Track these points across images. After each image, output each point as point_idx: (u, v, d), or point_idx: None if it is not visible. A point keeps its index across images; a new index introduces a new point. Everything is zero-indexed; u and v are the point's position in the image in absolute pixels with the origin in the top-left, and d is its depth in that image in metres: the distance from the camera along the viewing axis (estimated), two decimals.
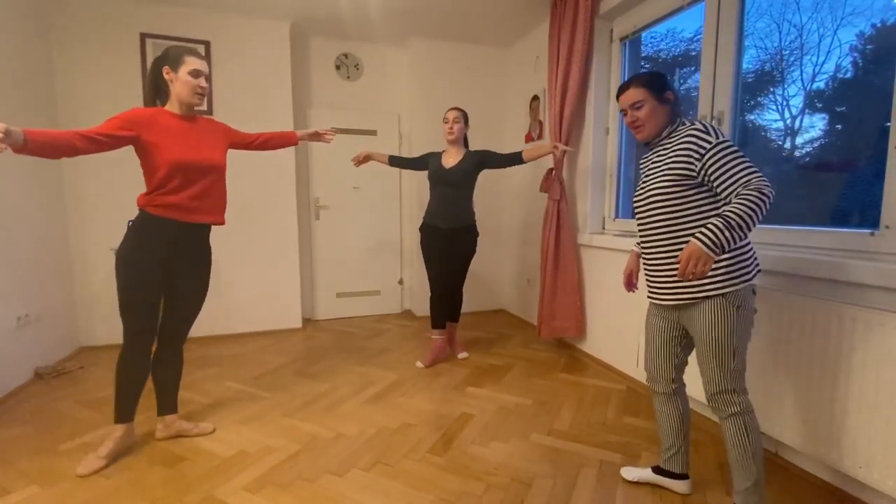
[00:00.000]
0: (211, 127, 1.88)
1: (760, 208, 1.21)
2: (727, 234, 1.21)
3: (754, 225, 1.22)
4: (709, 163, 1.31)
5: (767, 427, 1.75)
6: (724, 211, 1.24)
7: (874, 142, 1.66)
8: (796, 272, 1.69)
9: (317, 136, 2.29)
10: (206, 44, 3.26)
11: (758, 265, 1.40)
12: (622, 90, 1.50)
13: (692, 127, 1.38)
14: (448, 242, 2.78)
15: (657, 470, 1.65)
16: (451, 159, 2.77)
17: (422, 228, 2.87)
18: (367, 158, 2.90)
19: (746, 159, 1.29)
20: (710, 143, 1.32)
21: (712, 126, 1.35)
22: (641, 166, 1.56)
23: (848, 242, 1.64)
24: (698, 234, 1.24)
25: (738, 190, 1.26)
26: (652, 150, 1.52)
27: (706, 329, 1.37)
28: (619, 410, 2.25)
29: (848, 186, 1.80)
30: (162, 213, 1.71)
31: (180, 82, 1.71)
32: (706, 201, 1.37)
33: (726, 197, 1.30)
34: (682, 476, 1.61)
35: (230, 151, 3.25)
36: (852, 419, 1.48)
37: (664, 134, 1.46)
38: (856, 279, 1.51)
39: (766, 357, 1.74)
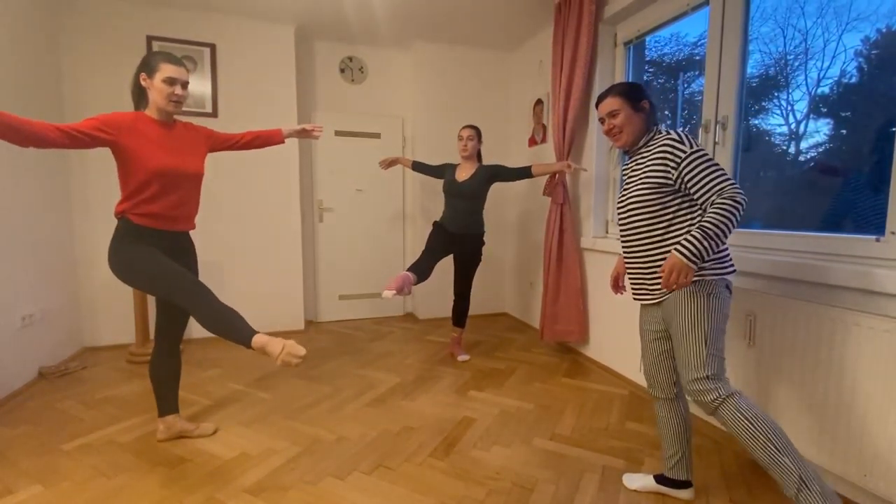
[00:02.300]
0: (190, 132, 1.85)
1: (735, 215, 1.29)
2: (705, 243, 1.29)
3: (730, 232, 1.30)
4: (685, 171, 1.37)
5: None
6: (700, 222, 1.31)
7: (879, 147, 1.65)
8: (800, 277, 1.68)
9: (304, 133, 2.21)
10: (212, 46, 3.29)
11: (733, 267, 1.45)
12: (600, 100, 1.57)
13: (667, 136, 1.43)
14: (452, 242, 2.88)
15: (660, 479, 1.63)
16: (464, 173, 2.89)
17: (434, 224, 2.97)
18: (394, 162, 3.12)
19: (720, 168, 1.36)
20: (685, 151, 1.38)
21: (686, 135, 1.41)
22: (623, 174, 1.62)
23: (853, 248, 1.63)
24: (678, 247, 1.32)
25: (713, 198, 1.33)
26: (631, 158, 1.58)
27: (679, 314, 1.41)
28: (621, 415, 2.24)
29: (853, 192, 1.79)
30: (143, 222, 1.70)
31: (155, 89, 1.69)
32: (683, 206, 1.43)
33: (702, 203, 1.37)
34: (685, 484, 1.60)
35: (230, 154, 3.28)
36: (857, 427, 1.47)
37: (641, 143, 1.52)
38: (861, 285, 1.50)
39: (769, 362, 1.73)
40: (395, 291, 2.36)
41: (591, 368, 2.87)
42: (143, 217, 1.70)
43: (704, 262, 1.37)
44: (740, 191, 1.31)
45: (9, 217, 2.43)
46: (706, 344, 1.37)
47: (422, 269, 2.66)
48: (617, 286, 1.79)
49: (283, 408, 2.30)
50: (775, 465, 1.22)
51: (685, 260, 1.30)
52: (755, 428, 1.25)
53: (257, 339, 1.54)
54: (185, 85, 1.73)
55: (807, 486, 1.19)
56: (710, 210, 1.31)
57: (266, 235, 3.54)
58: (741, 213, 1.29)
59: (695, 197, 1.38)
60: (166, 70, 1.68)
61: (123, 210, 1.70)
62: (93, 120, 1.57)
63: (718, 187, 1.33)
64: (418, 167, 3.09)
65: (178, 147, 1.76)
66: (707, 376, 1.35)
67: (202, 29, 3.27)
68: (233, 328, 1.57)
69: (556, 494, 1.63)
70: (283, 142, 2.19)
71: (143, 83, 1.71)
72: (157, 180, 1.68)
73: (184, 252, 1.86)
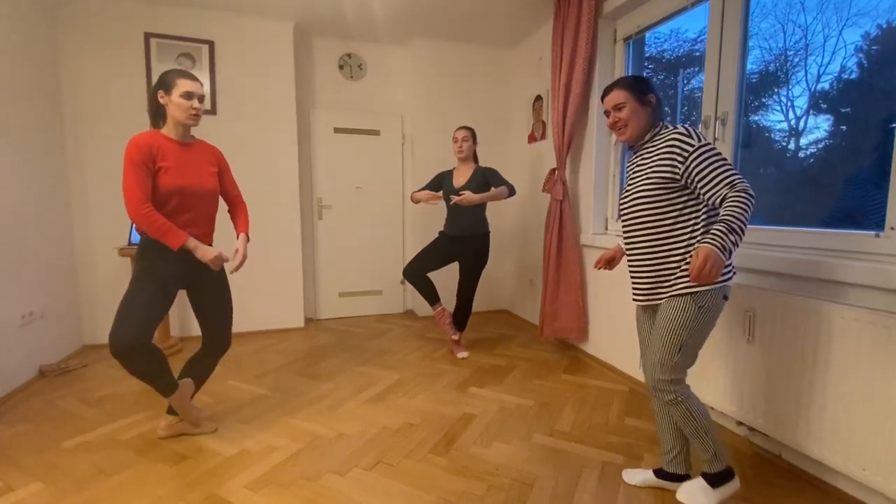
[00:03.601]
0: (207, 151, 1.89)
1: (750, 209, 1.28)
2: (731, 237, 1.26)
3: (747, 226, 1.29)
4: (692, 165, 1.36)
5: (771, 429, 1.75)
6: (722, 216, 1.28)
7: (879, 143, 1.65)
8: (800, 273, 1.68)
9: (236, 254, 1.94)
10: (210, 43, 3.28)
11: (733, 270, 1.45)
12: (606, 92, 1.55)
13: (675, 131, 1.41)
14: (454, 247, 2.90)
15: (659, 473, 1.65)
16: (461, 177, 2.90)
17: (439, 233, 3.02)
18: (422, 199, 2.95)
19: (727, 162, 1.34)
20: (692, 146, 1.36)
21: (694, 130, 1.40)
22: (627, 170, 1.60)
23: (853, 244, 1.63)
24: (709, 239, 1.27)
25: (725, 192, 1.31)
26: (636, 153, 1.56)
27: (663, 319, 1.44)
28: (621, 412, 2.24)
29: (852, 187, 1.79)
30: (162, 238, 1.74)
31: (174, 105, 1.73)
32: (689, 203, 1.41)
33: (709, 199, 1.35)
34: (684, 477, 1.61)
35: (229, 152, 3.30)
36: (856, 423, 1.48)
37: (647, 137, 1.51)
38: (861, 281, 1.50)
39: (767, 357, 1.74)
40: (454, 334, 2.98)
41: (590, 365, 2.88)
42: None
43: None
44: (748, 185, 1.30)
45: (9, 215, 2.42)
46: (679, 352, 1.41)
47: (422, 283, 2.86)
48: (600, 263, 1.72)
49: (283, 405, 2.30)
50: (702, 444, 1.48)
51: (720, 251, 1.24)
52: (696, 421, 1.46)
53: (174, 398, 1.85)
54: (201, 98, 1.78)
55: (717, 457, 1.48)
56: (727, 204, 1.28)
57: (266, 233, 3.54)
58: (753, 206, 1.28)
59: (701, 192, 1.36)
60: (183, 85, 1.73)
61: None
62: (131, 172, 1.62)
63: (728, 181, 1.31)
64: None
65: (194, 164, 1.81)
66: (671, 380, 1.45)
67: (201, 26, 3.26)
68: (153, 380, 1.77)
69: (556, 490, 1.64)
70: (237, 237, 2.02)
71: (161, 100, 1.75)
72: (175, 197, 1.73)
73: (203, 267, 1.88)
